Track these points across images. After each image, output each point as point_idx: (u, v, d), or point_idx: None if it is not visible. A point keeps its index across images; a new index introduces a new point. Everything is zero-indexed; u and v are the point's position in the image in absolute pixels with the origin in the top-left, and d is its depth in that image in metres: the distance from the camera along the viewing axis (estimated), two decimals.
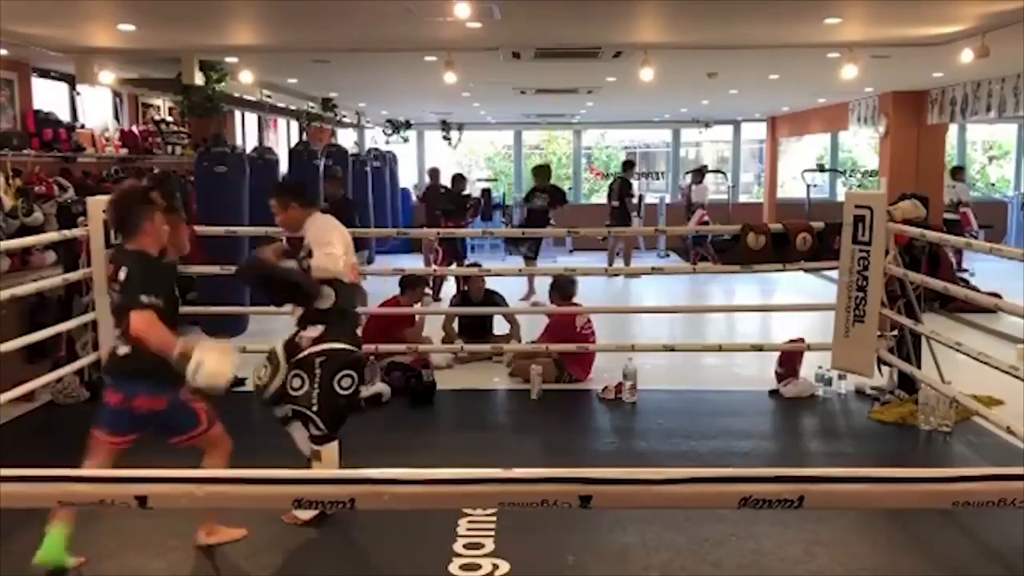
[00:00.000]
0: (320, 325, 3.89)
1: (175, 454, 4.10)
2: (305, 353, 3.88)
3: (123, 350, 3.36)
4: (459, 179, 11.58)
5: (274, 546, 3.83)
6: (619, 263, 13.42)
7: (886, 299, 5.71)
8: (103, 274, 5.57)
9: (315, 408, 3.84)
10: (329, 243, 3.91)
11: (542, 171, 11.18)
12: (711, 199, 18.14)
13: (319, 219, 4.11)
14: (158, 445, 3.67)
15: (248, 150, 8.99)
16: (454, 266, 9.43)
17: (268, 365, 4.02)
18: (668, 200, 16.24)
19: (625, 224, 12.26)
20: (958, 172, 13.26)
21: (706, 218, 13.89)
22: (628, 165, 13.42)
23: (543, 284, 8.39)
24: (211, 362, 3.18)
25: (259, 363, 4.07)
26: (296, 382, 3.87)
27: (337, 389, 3.87)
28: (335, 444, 3.92)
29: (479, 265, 7.80)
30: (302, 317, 3.97)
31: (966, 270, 11.94)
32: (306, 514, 3.81)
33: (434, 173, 12.44)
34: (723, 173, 17.95)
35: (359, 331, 4.04)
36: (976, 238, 11.01)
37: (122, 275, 3.29)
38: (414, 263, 11.70)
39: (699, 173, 14.70)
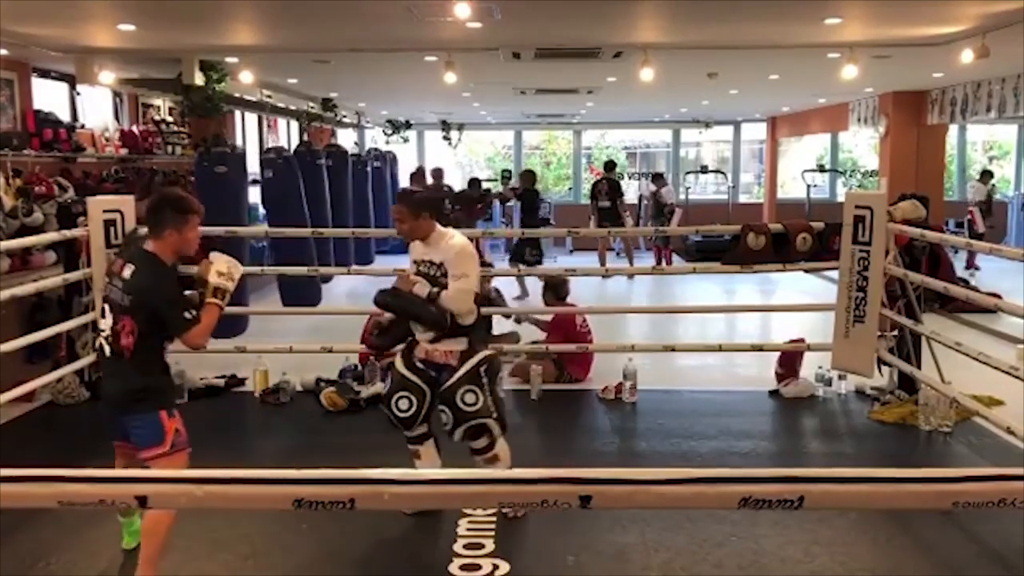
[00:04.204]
0: (463, 338, 3.95)
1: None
2: (466, 369, 3.90)
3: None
4: (417, 178, 11.83)
5: (274, 546, 3.83)
6: (620, 263, 13.43)
7: (886, 299, 5.71)
8: (103, 274, 5.57)
9: (495, 415, 3.95)
10: (465, 276, 3.86)
11: (526, 175, 11.79)
12: (711, 199, 18.14)
13: (457, 242, 3.94)
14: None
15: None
16: None
17: (408, 393, 4.00)
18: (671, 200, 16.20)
19: (616, 224, 12.28)
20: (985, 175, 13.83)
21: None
22: (610, 165, 13.35)
23: (536, 284, 8.39)
24: (221, 265, 3.42)
25: (399, 395, 4.02)
26: (470, 397, 3.89)
27: (499, 392, 4.01)
28: (503, 439, 4.06)
29: None
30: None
31: (978, 268, 12.04)
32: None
33: (420, 173, 12.58)
34: (723, 173, 17.95)
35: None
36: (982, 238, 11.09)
37: (127, 272, 3.25)
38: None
39: (659, 177, 14.85)
